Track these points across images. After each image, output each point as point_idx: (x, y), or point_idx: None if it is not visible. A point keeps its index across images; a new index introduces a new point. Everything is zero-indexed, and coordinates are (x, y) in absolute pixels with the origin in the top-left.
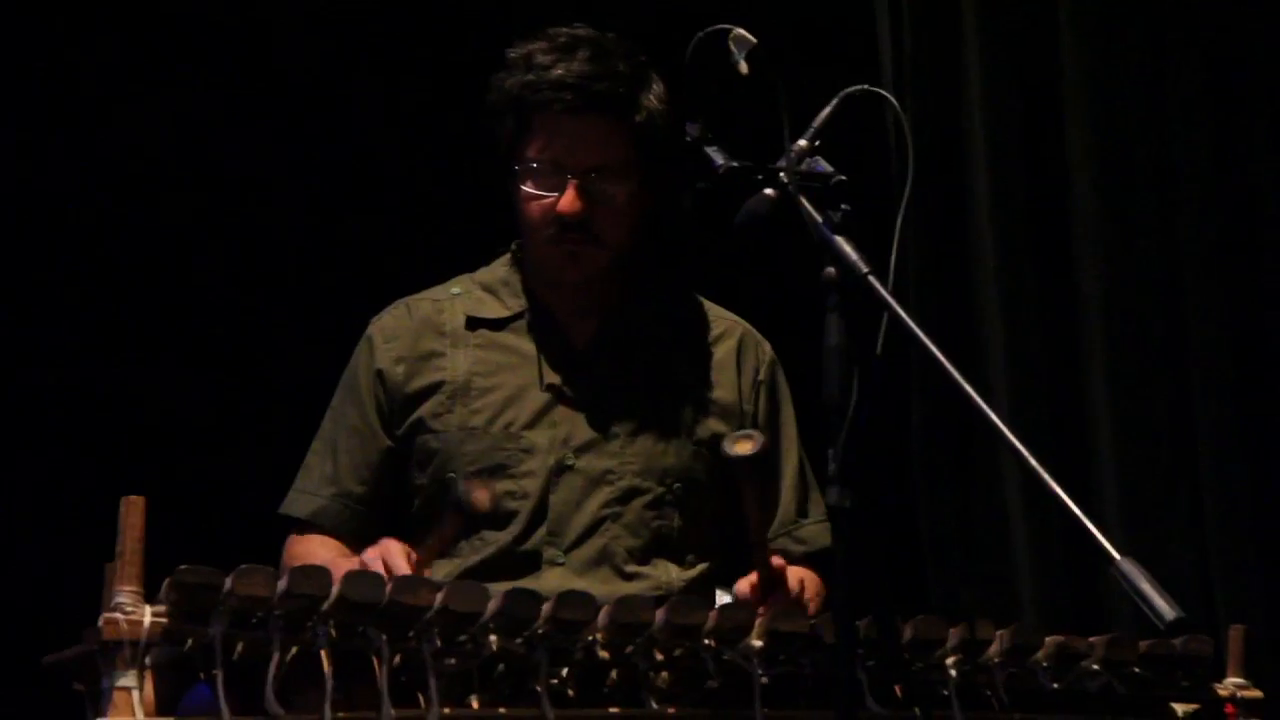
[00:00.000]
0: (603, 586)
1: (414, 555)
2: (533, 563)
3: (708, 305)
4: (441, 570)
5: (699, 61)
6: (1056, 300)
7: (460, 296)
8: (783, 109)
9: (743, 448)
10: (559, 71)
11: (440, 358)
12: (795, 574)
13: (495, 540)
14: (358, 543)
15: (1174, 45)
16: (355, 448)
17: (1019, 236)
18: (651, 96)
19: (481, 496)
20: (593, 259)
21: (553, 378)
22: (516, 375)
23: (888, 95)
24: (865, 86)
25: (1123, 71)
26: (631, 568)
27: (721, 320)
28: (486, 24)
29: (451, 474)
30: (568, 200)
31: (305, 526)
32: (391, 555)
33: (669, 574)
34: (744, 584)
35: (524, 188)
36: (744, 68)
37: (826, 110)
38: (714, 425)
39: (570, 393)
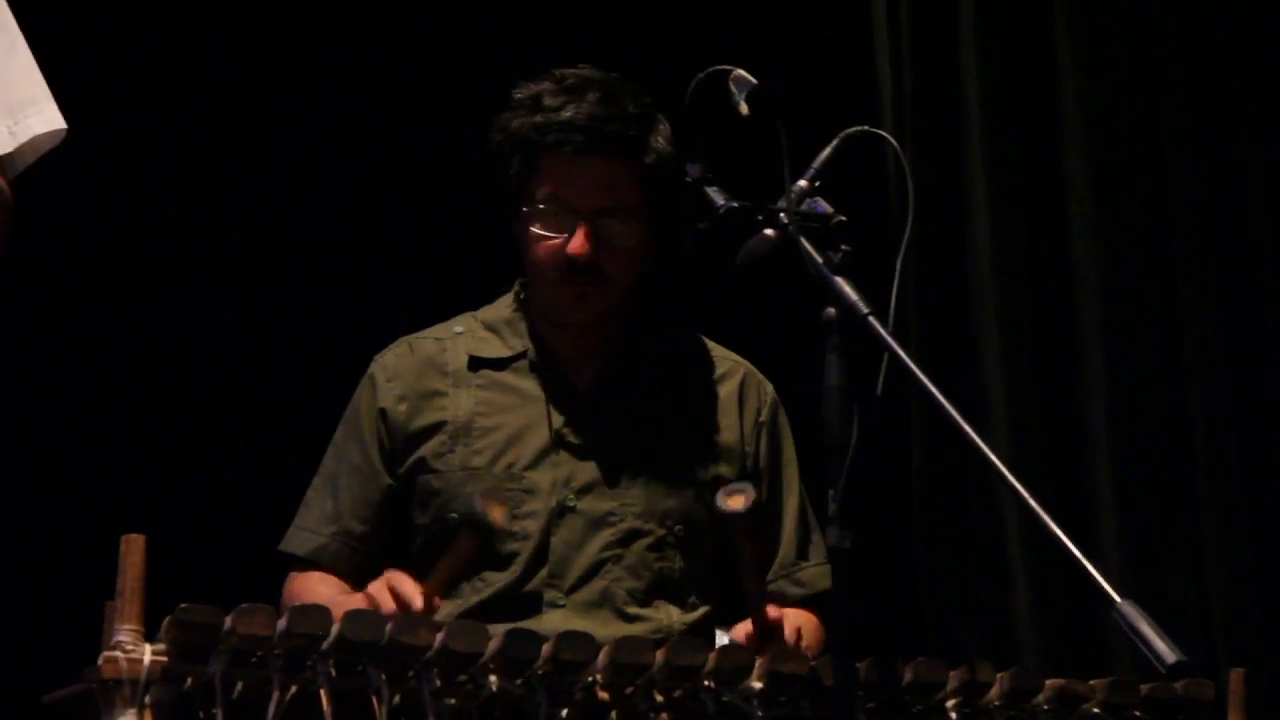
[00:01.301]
0: (603, 629)
1: (421, 586)
2: (533, 604)
3: (710, 345)
4: (442, 611)
5: (699, 102)
6: (1057, 341)
7: (463, 335)
8: (783, 150)
9: (735, 503)
10: (569, 113)
11: (443, 397)
12: (792, 621)
13: (496, 581)
14: (358, 581)
15: (1172, 81)
16: (356, 486)
17: (1020, 277)
18: (659, 138)
19: (498, 513)
20: (601, 300)
21: (556, 420)
22: (518, 416)
23: (887, 136)
24: (865, 127)
25: (1123, 109)
26: (633, 610)
27: (724, 360)
28: (491, 61)
29: (453, 514)
30: (578, 242)
31: (305, 564)
32: (399, 583)
33: (670, 616)
34: (739, 632)
35: (533, 229)
36: (744, 108)
37: (827, 151)
38: (716, 467)
39: (572, 434)
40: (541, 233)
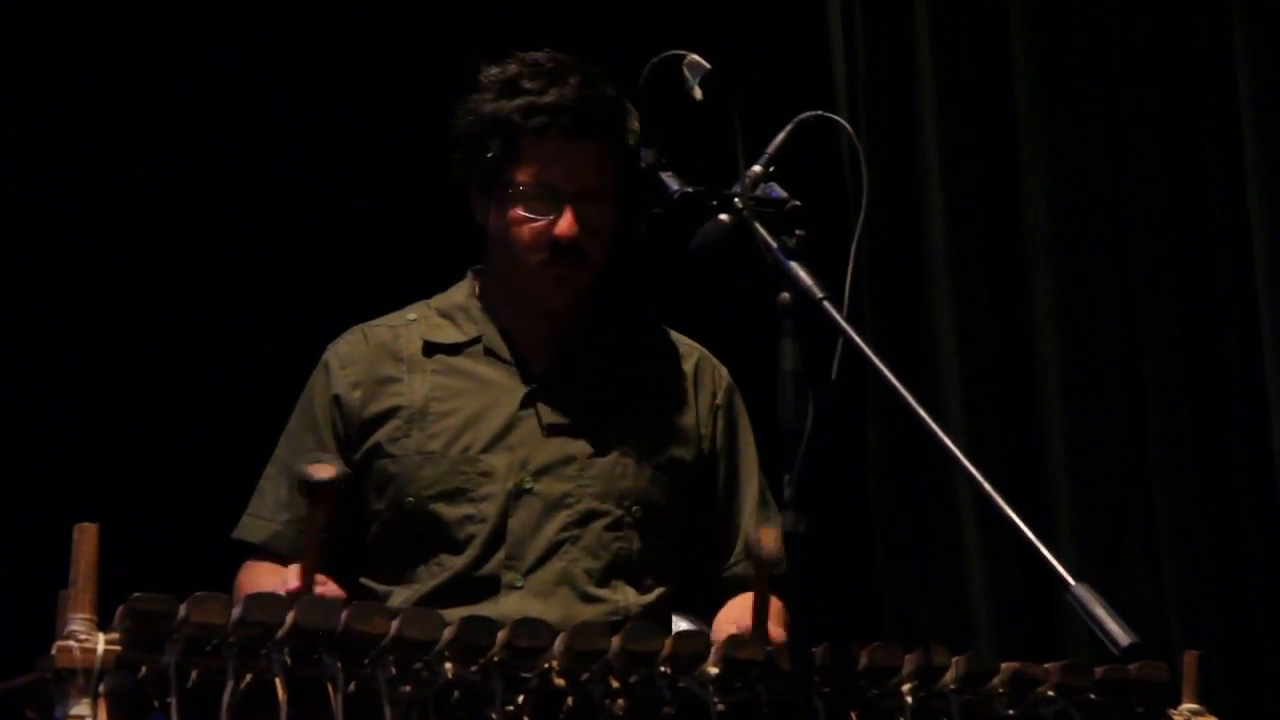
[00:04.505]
0: (562, 609)
1: (300, 566)
2: (491, 587)
3: (665, 330)
4: (399, 596)
5: (653, 87)
6: (1011, 324)
7: (416, 323)
8: (737, 134)
9: (768, 543)
10: (553, 96)
11: (397, 383)
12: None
13: (453, 565)
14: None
15: (1129, 70)
16: None
17: (974, 261)
18: (634, 121)
19: (325, 470)
20: (580, 280)
21: (511, 403)
22: (474, 400)
23: (841, 121)
24: (819, 112)
25: (1077, 95)
26: (591, 590)
27: (679, 345)
28: (442, 47)
29: (410, 498)
30: (566, 224)
31: (259, 552)
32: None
33: (628, 597)
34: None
35: (515, 212)
36: (698, 93)
37: (781, 136)
38: (671, 449)
39: (528, 417)
40: (525, 215)
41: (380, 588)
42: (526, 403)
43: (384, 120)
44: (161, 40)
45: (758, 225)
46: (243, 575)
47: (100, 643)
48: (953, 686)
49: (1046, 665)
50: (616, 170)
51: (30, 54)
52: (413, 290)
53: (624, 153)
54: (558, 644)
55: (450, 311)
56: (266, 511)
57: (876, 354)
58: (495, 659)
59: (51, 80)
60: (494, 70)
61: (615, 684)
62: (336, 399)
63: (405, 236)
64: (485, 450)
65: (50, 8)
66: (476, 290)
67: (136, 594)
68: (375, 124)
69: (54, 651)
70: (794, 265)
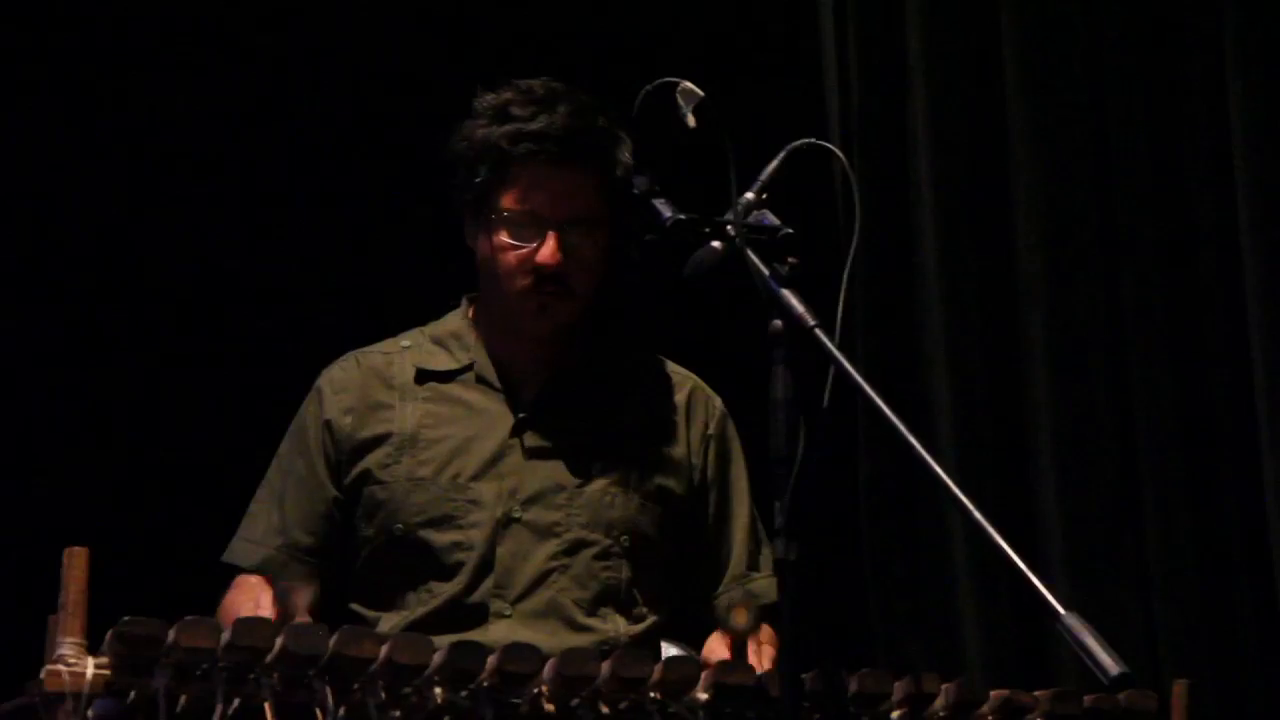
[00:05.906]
0: (550, 639)
1: None
2: (480, 615)
3: (658, 359)
4: (388, 623)
5: (647, 113)
6: (1003, 354)
7: (410, 349)
8: (730, 161)
9: (739, 620)
10: (541, 123)
11: (388, 409)
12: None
13: (442, 592)
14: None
15: (1119, 99)
16: (303, 498)
17: (967, 291)
18: (625, 152)
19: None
20: (563, 310)
21: (502, 431)
22: (464, 427)
23: (834, 149)
24: (812, 140)
25: (1069, 122)
26: (580, 619)
27: (672, 374)
28: (438, 74)
29: (399, 525)
30: (548, 251)
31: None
32: None
33: (618, 626)
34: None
35: (500, 237)
36: (691, 120)
37: (774, 163)
38: (661, 479)
39: (518, 445)
40: (510, 241)
41: (370, 614)
42: (516, 431)
43: (383, 146)
44: (163, 46)
45: (750, 252)
46: (225, 595)
47: (89, 667)
48: (942, 713)
49: (1036, 693)
50: (604, 200)
51: (30, 54)
52: (409, 316)
53: (613, 183)
54: (547, 670)
55: (444, 338)
56: (258, 535)
57: (868, 382)
58: (485, 684)
59: (50, 87)
60: (488, 96)
61: (605, 710)
62: (328, 424)
63: (403, 261)
64: (475, 478)
65: (51, 7)
66: (470, 316)
67: (126, 618)
68: (374, 149)
69: (43, 675)
70: (786, 293)
